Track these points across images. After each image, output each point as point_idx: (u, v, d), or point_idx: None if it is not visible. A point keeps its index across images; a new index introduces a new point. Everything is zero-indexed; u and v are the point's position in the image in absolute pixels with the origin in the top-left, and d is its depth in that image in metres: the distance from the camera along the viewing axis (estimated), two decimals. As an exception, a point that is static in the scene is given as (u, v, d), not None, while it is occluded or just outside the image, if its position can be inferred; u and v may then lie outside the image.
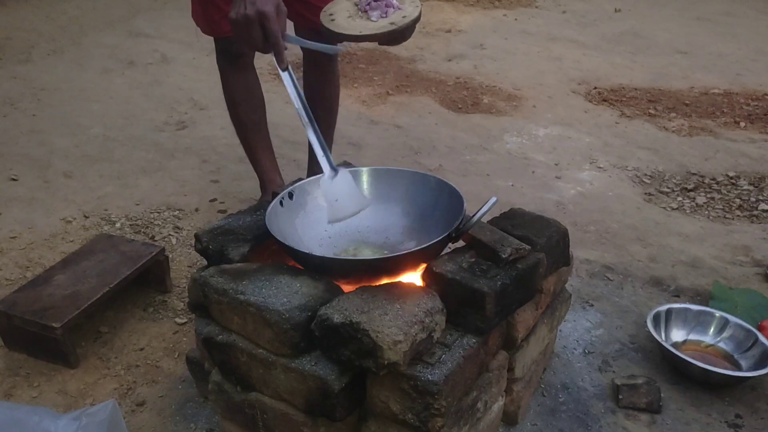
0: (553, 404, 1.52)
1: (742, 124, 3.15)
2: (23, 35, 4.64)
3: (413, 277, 1.33)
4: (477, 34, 4.73)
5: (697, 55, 4.32)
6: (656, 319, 1.72)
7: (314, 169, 2.31)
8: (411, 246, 1.43)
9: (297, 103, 1.35)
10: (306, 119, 1.36)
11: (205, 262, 1.42)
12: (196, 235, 1.41)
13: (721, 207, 2.45)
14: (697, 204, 2.47)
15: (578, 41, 4.60)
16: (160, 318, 1.84)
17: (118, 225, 2.30)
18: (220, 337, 1.26)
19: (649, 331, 1.68)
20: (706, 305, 1.80)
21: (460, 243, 1.36)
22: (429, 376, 1.11)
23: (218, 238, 1.39)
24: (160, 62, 4.07)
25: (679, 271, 2.06)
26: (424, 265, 1.29)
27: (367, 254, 1.41)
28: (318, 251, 1.41)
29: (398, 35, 1.41)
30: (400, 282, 1.25)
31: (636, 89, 3.67)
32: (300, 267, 1.30)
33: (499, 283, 1.23)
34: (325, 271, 1.26)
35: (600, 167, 2.78)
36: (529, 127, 3.18)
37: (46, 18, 5.05)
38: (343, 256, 1.38)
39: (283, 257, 1.36)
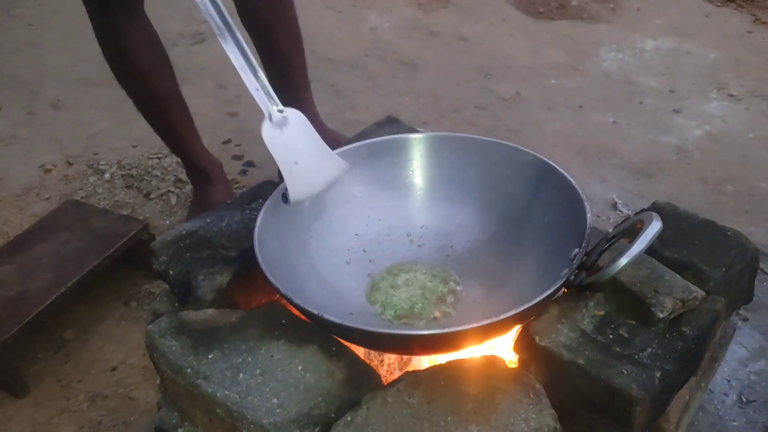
0: (700, 498, 1.01)
1: None
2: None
3: (497, 346, 0.80)
4: None
5: None
6: None
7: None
8: (491, 272, 0.88)
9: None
10: (219, 22, 0.82)
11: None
12: (150, 249, 0.90)
13: None
14: None
15: None
16: (143, 318, 1.38)
17: (107, 176, 1.83)
18: (180, 430, 0.78)
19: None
20: None
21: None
22: None
23: (184, 257, 0.88)
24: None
25: None
26: (518, 327, 0.75)
27: (421, 280, 0.88)
28: (346, 276, 0.88)
29: None
30: (476, 363, 0.72)
31: (771, -15, 2.85)
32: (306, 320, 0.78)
33: (658, 374, 0.68)
34: (351, 338, 0.74)
35: (732, 95, 2.10)
36: (633, 39, 2.48)
37: None
38: (379, 329, 0.80)
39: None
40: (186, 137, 1.57)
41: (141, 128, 2.04)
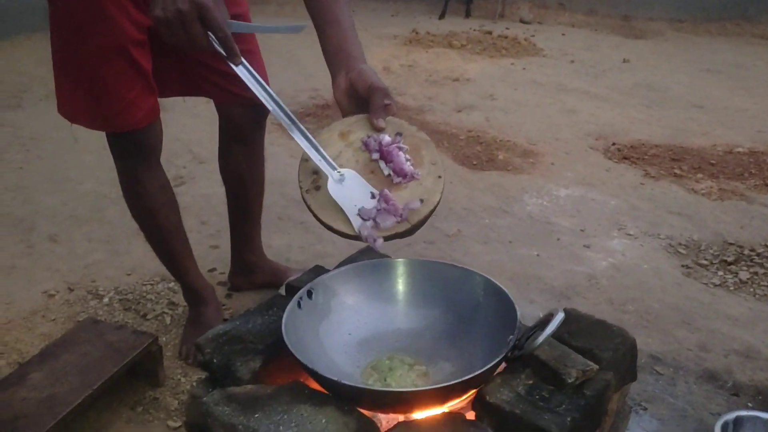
0: None
1: (774, 187, 2.98)
2: (15, 78, 4.47)
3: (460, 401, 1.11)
4: (486, 84, 4.59)
5: (713, 109, 4.17)
6: (724, 429, 1.49)
7: (239, 257, 2.07)
8: (451, 356, 1.21)
9: (269, 103, 1.15)
10: (287, 119, 1.15)
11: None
12: (197, 345, 1.19)
13: (766, 284, 2.24)
14: (740, 280, 2.26)
15: (590, 92, 4.46)
16: (149, 420, 1.60)
17: (106, 300, 2.07)
18: (226, 480, 1.03)
19: (715, 444, 1.46)
20: (774, 409, 1.59)
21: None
22: None
23: (223, 349, 1.17)
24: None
25: (733, 363, 1.84)
26: (473, 391, 1.07)
27: (401, 367, 1.19)
28: (345, 364, 1.18)
29: (408, 232, 1.14)
30: (448, 415, 1.03)
31: (657, 146, 3.50)
32: (322, 389, 1.08)
33: (568, 418, 1.01)
34: (356, 400, 1.04)
35: (630, 234, 2.58)
36: (549, 187, 2.99)
37: (40, 61, 4.87)
38: (378, 387, 1.14)
39: (299, 370, 1.13)
40: (185, 263, 1.86)
41: (133, 259, 2.33)
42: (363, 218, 1.10)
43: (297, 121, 1.16)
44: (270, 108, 1.16)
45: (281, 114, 1.16)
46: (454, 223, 2.64)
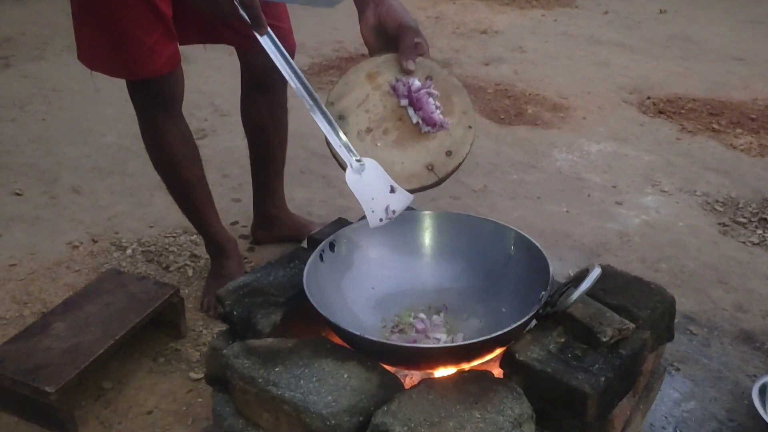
0: (645, 506, 1.25)
1: (818, 143, 2.84)
2: (38, 30, 4.42)
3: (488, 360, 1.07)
4: (515, 36, 4.43)
5: (755, 62, 3.99)
6: (761, 391, 1.44)
7: (261, 210, 2.03)
8: (479, 312, 1.16)
9: (292, 80, 1.10)
10: (309, 99, 1.09)
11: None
12: (217, 297, 1.15)
13: (808, 243, 2.15)
14: (780, 239, 2.17)
15: (624, 45, 4.29)
16: (171, 371, 1.59)
17: (129, 252, 2.06)
18: (246, 433, 1.01)
19: (751, 406, 1.41)
20: (815, 372, 1.52)
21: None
22: None
23: (244, 301, 1.14)
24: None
25: (771, 324, 1.77)
26: (502, 349, 1.03)
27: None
28: (368, 318, 1.15)
29: (435, 185, 1.13)
30: (473, 373, 0.99)
31: (694, 100, 3.35)
32: (344, 344, 1.04)
33: (603, 378, 0.96)
34: (380, 355, 1.00)
35: (664, 191, 2.48)
36: (580, 142, 2.89)
37: (62, 11, 4.82)
38: (403, 342, 1.10)
39: (321, 324, 1.10)
40: (208, 216, 1.83)
41: (155, 211, 2.31)
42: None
43: (320, 102, 1.10)
44: (293, 85, 1.10)
45: (304, 93, 1.10)
46: (481, 178, 2.56)
